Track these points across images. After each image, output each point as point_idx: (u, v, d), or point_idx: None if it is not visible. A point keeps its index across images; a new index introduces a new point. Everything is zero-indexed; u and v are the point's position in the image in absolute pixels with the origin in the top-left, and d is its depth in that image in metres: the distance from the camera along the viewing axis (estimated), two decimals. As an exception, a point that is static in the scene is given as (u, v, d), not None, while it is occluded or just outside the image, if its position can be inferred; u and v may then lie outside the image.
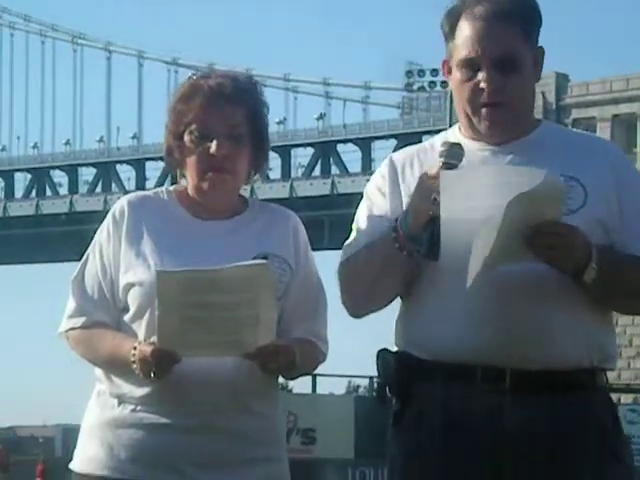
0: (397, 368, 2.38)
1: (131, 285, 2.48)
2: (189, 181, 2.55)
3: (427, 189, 2.26)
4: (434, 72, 40.52)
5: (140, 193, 2.62)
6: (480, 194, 2.20)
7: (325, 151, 53.74)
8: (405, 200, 2.38)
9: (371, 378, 21.92)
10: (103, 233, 2.55)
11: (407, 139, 48.18)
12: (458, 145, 2.31)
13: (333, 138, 54.05)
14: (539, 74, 2.44)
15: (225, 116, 2.49)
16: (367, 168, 51.62)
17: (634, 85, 39.08)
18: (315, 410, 16.99)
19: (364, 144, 53.07)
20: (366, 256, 2.37)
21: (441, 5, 2.46)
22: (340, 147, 54.18)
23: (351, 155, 54.10)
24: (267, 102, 2.57)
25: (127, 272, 2.49)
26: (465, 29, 2.38)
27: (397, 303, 2.45)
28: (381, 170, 2.48)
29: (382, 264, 2.34)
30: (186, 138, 2.51)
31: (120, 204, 2.56)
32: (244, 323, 2.35)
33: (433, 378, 2.34)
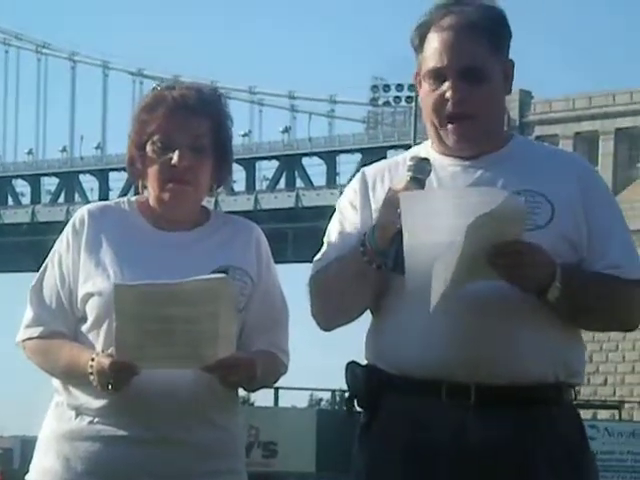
0: (365, 381, 2.38)
1: (90, 295, 2.46)
2: (150, 192, 2.54)
3: (394, 203, 2.26)
4: (399, 87, 40.71)
5: (100, 203, 2.61)
6: (441, 215, 2.21)
7: (290, 164, 53.80)
8: (375, 214, 2.38)
9: (333, 391, 21.93)
10: (62, 242, 2.53)
11: (372, 153, 48.35)
12: (426, 160, 2.31)
13: (298, 151, 54.14)
14: (509, 87, 2.44)
15: (188, 127, 2.48)
16: (332, 182, 51.74)
17: (596, 103, 39.50)
18: (277, 423, 16.96)
19: (329, 158, 53.19)
20: (336, 269, 2.37)
21: (409, 21, 2.46)
22: (305, 160, 54.32)
23: (316, 169, 54.25)
24: (231, 114, 2.57)
25: (86, 282, 2.47)
26: (433, 41, 2.39)
27: (365, 317, 2.45)
28: (353, 184, 2.48)
29: (352, 277, 2.34)
30: (148, 148, 2.50)
31: (80, 214, 2.54)
32: (204, 336, 2.34)
33: (400, 392, 2.34)
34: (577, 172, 2.43)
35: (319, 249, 2.48)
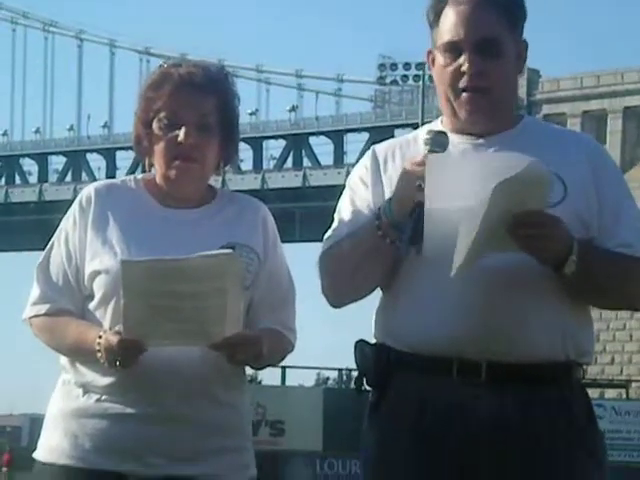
0: (375, 359, 2.38)
1: (97, 273, 2.46)
2: (157, 169, 2.53)
3: (412, 176, 2.25)
4: (407, 66, 40.57)
5: (107, 181, 2.60)
6: (465, 179, 2.19)
7: (297, 143, 53.69)
8: (387, 191, 2.37)
9: (340, 370, 21.96)
10: (69, 220, 2.53)
11: (379, 132, 48.24)
12: (443, 133, 2.31)
13: (305, 130, 54.00)
14: (522, 67, 2.44)
15: (194, 105, 2.47)
16: (339, 161, 51.65)
17: (605, 82, 39.34)
18: (284, 402, 17.01)
19: (336, 137, 53.06)
20: (349, 245, 2.37)
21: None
22: (312, 139, 54.19)
23: (323, 148, 54.16)
24: (238, 93, 2.55)
25: (93, 260, 2.47)
26: (449, 14, 2.39)
27: (373, 295, 2.45)
28: (364, 161, 2.48)
29: (365, 252, 2.34)
30: (155, 126, 2.49)
31: (87, 191, 2.54)
32: (211, 313, 2.34)
33: (410, 370, 2.35)
34: (587, 152, 2.43)
35: (327, 228, 2.47)
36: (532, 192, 2.21)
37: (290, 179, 50.77)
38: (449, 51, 2.38)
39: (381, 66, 43.12)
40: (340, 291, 2.42)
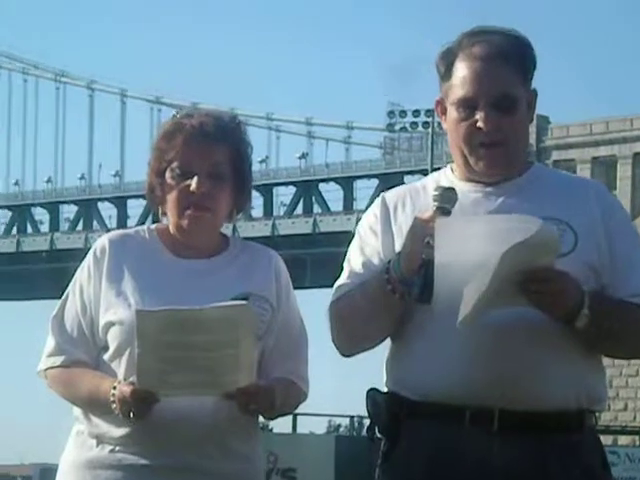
0: (386, 408, 2.38)
1: (111, 324, 2.47)
2: (170, 219, 2.54)
3: (420, 232, 2.26)
4: (416, 113, 40.76)
5: (121, 231, 2.62)
6: (475, 241, 2.21)
7: (307, 190, 53.85)
8: (397, 240, 2.38)
9: (352, 417, 21.85)
10: (84, 271, 2.54)
11: (389, 179, 48.34)
12: (452, 190, 2.32)
13: (315, 177, 54.19)
14: (532, 116, 2.46)
15: (206, 154, 2.49)
16: (349, 207, 51.74)
17: (614, 128, 39.44)
18: (295, 450, 16.89)
19: (346, 183, 53.21)
20: (359, 295, 2.37)
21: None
22: (322, 186, 54.35)
23: (333, 194, 54.27)
24: (250, 142, 2.57)
25: (107, 311, 2.48)
26: (462, 69, 2.40)
27: (384, 344, 2.45)
28: (373, 209, 2.48)
29: (374, 304, 2.34)
30: (167, 175, 2.51)
31: (101, 242, 2.55)
32: (224, 363, 2.34)
33: (422, 418, 2.34)
34: (597, 200, 2.43)
35: (337, 274, 2.48)
36: (542, 252, 2.23)
37: (300, 225, 50.84)
38: (464, 106, 2.39)
39: (390, 113, 43.33)
40: (350, 341, 2.42)
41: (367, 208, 2.54)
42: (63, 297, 2.56)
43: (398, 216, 2.42)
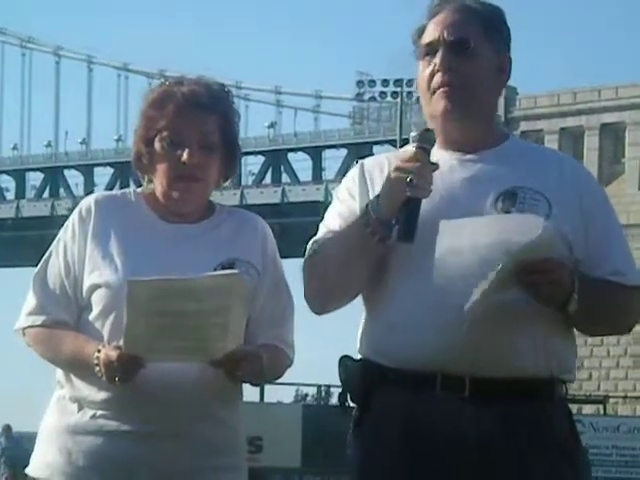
0: (359, 375, 2.38)
1: (96, 286, 2.44)
2: (157, 187, 2.52)
3: (402, 172, 2.28)
4: (385, 82, 40.65)
5: (107, 193, 2.58)
6: (477, 242, 2.24)
7: (276, 159, 53.71)
8: None
9: (319, 386, 21.92)
10: (68, 231, 2.50)
11: (358, 149, 48.30)
12: (430, 131, 2.34)
13: (284, 146, 54.04)
14: (504, 82, 2.47)
15: (198, 124, 2.46)
16: (318, 177, 51.66)
17: (581, 99, 39.57)
18: (262, 418, 16.94)
19: (315, 153, 53.10)
20: (334, 244, 2.37)
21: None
22: (291, 156, 54.23)
23: (302, 164, 54.21)
24: (238, 110, 2.55)
25: (92, 272, 2.45)
26: (430, 25, 2.46)
27: (355, 311, 2.45)
28: (351, 174, 2.50)
29: (351, 251, 2.33)
30: (157, 145, 2.48)
31: (87, 202, 2.52)
32: (212, 330, 2.33)
33: (394, 386, 2.35)
34: (574, 176, 2.44)
35: (306, 245, 2.48)
36: (542, 251, 2.25)
37: (269, 195, 50.74)
38: (426, 53, 2.43)
39: (359, 83, 43.22)
40: (323, 294, 2.41)
41: (336, 177, 2.55)
42: (45, 256, 2.52)
43: (375, 179, 2.42)
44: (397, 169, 2.30)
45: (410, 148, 2.32)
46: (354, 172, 2.49)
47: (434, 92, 2.41)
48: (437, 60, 2.41)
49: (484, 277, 2.21)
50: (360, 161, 2.53)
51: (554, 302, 2.30)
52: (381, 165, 2.46)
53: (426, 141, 2.32)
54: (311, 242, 2.44)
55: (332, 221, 2.44)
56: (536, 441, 2.33)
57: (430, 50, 2.43)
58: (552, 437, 2.35)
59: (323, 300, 2.43)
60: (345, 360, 2.42)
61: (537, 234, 2.21)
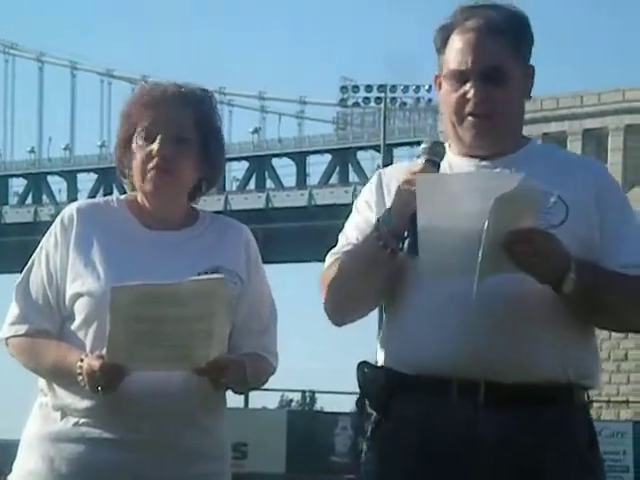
0: (380, 383, 2.39)
1: (79, 295, 2.44)
2: (136, 186, 2.50)
3: (410, 185, 2.28)
4: (368, 88, 40.70)
5: (89, 201, 2.58)
6: (456, 199, 2.23)
7: (260, 165, 53.69)
8: None
9: (303, 392, 21.94)
10: (50, 239, 2.50)
11: (342, 154, 48.39)
12: (440, 143, 2.36)
13: (268, 152, 54.04)
14: (529, 92, 2.48)
15: (171, 117, 2.46)
16: (302, 182, 51.66)
17: (564, 104, 39.75)
18: (247, 424, 16.94)
19: (299, 158, 53.12)
20: (349, 257, 2.39)
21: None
22: (275, 161, 54.23)
23: (286, 169, 54.18)
24: (220, 115, 2.54)
25: (75, 281, 2.44)
26: (456, 42, 2.42)
27: (374, 319, 2.46)
28: (370, 183, 2.51)
29: (366, 264, 2.35)
30: (133, 144, 2.48)
31: (69, 210, 2.51)
32: (196, 337, 2.32)
33: (411, 391, 2.35)
34: (592, 176, 2.44)
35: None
36: (524, 211, 2.24)
37: (253, 200, 50.68)
38: (455, 79, 2.41)
39: (343, 88, 43.26)
40: (342, 306, 2.42)
41: (320, 183, 2.56)
42: (28, 265, 2.51)
43: (392, 188, 2.42)
44: (406, 182, 2.31)
45: (419, 161, 2.33)
46: (372, 182, 2.50)
47: (463, 116, 2.40)
48: (468, 88, 2.39)
49: (476, 257, 2.18)
50: (379, 170, 2.54)
51: (544, 276, 2.28)
52: (399, 174, 2.45)
53: (435, 154, 2.33)
54: (329, 254, 2.46)
55: (350, 232, 2.46)
56: (551, 443, 2.32)
57: (458, 75, 2.40)
58: (569, 441, 2.34)
59: (342, 311, 2.43)
60: (363, 366, 2.42)
61: (514, 185, 2.18)
